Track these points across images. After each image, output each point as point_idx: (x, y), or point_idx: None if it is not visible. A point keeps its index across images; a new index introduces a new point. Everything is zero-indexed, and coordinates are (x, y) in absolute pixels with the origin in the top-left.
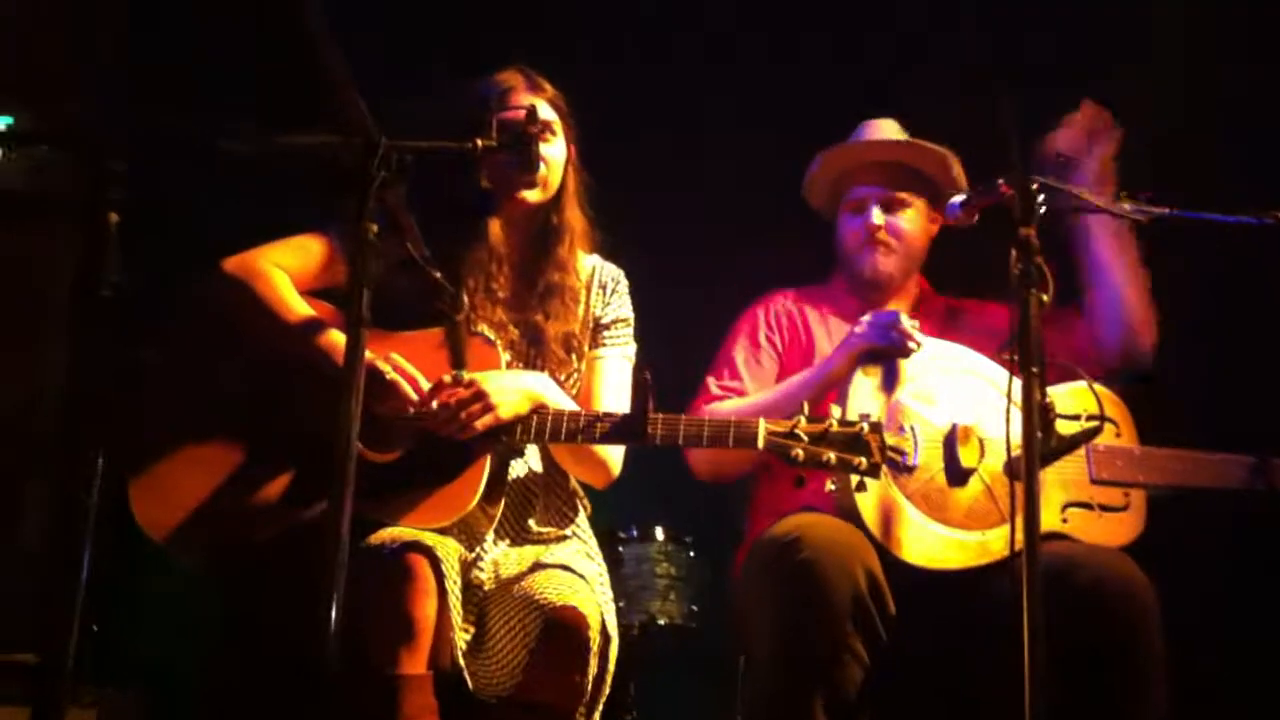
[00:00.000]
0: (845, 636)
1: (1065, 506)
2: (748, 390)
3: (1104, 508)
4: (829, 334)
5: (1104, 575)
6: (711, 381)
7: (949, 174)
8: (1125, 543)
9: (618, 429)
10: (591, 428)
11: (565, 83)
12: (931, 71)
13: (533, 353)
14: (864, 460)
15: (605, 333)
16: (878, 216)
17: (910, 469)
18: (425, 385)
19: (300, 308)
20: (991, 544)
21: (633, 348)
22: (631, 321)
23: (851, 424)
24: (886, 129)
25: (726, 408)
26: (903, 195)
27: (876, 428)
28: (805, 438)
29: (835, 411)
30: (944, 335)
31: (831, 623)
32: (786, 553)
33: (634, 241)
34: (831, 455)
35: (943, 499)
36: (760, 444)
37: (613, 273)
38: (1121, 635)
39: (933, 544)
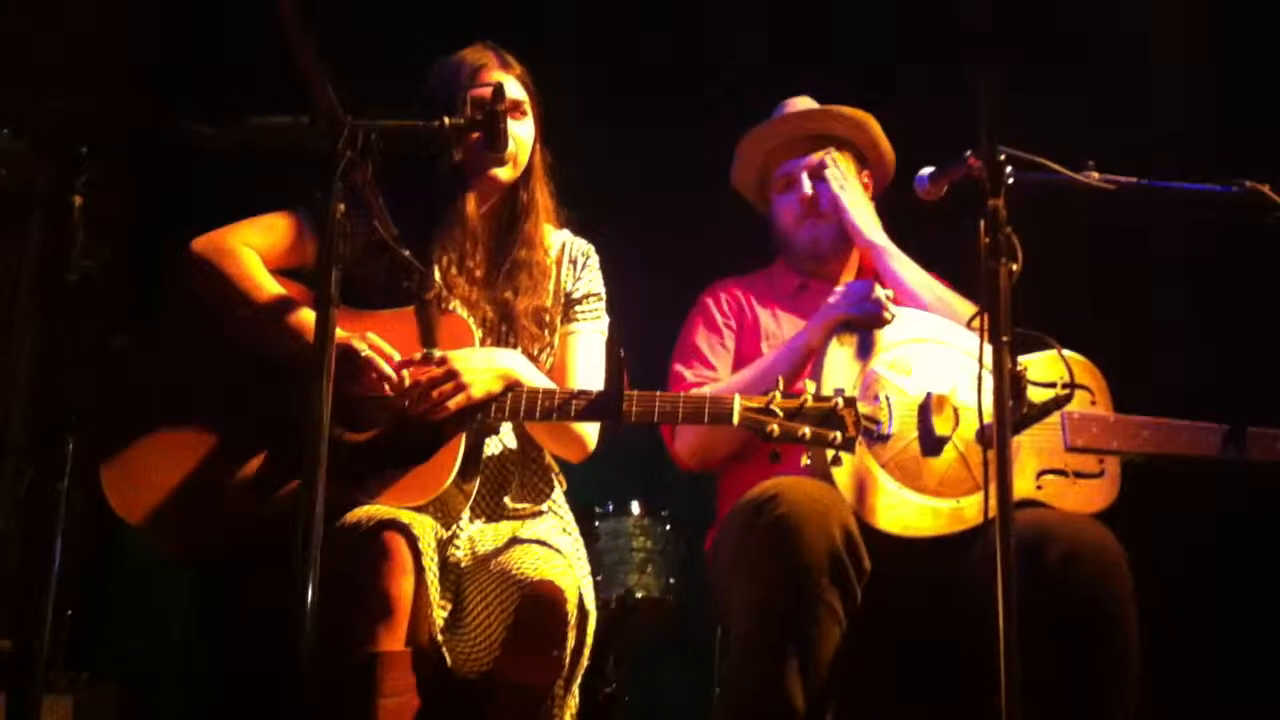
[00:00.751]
0: (821, 592)
1: (1040, 474)
2: (720, 375)
3: (1079, 474)
4: (774, 316)
5: (1078, 547)
6: (683, 370)
7: (869, 137)
8: (1100, 509)
9: (593, 407)
10: (567, 406)
11: (535, 60)
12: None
13: (504, 329)
14: (839, 435)
15: (577, 307)
16: (808, 186)
17: (885, 438)
18: (396, 358)
19: (271, 286)
20: (965, 511)
21: (605, 322)
22: (603, 296)
23: (826, 399)
24: (801, 104)
25: (706, 393)
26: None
27: (851, 402)
28: (780, 413)
29: (810, 386)
30: None
31: (807, 578)
32: (763, 510)
33: (604, 218)
34: (806, 430)
35: (917, 467)
36: (736, 420)
37: (582, 247)
38: (1095, 608)
39: (906, 511)
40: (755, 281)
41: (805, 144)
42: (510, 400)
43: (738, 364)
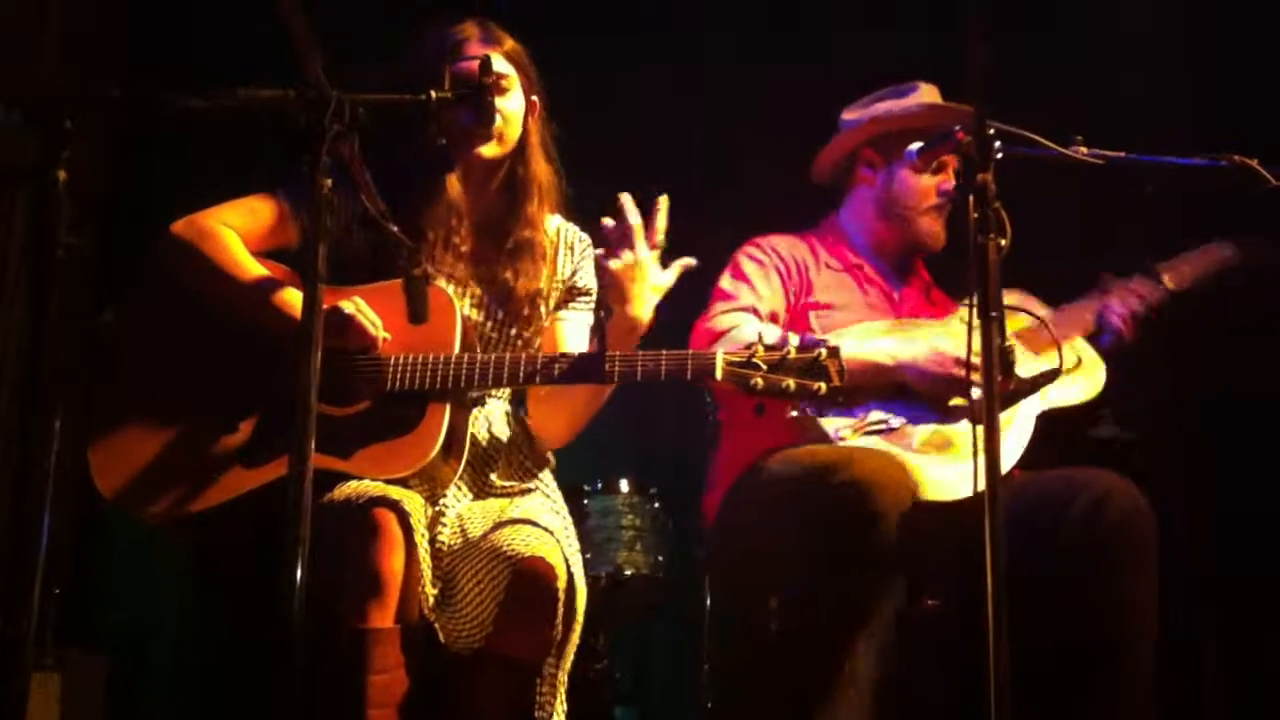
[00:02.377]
0: (887, 555)
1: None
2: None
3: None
4: (828, 278)
5: (1104, 496)
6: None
7: None
8: (1104, 382)
9: (576, 368)
10: (550, 367)
11: (538, 35)
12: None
13: (499, 310)
14: (823, 385)
15: (576, 300)
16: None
17: (895, 429)
18: (380, 326)
19: (253, 267)
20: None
21: (591, 315)
22: (595, 292)
23: (809, 349)
24: (932, 92)
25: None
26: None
27: (834, 352)
28: (764, 366)
29: (793, 339)
30: (920, 308)
31: (879, 553)
32: (837, 470)
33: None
34: (790, 382)
35: (941, 435)
36: (719, 375)
37: (579, 235)
38: (1122, 543)
39: (941, 474)
40: (798, 241)
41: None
42: (494, 365)
43: (776, 307)
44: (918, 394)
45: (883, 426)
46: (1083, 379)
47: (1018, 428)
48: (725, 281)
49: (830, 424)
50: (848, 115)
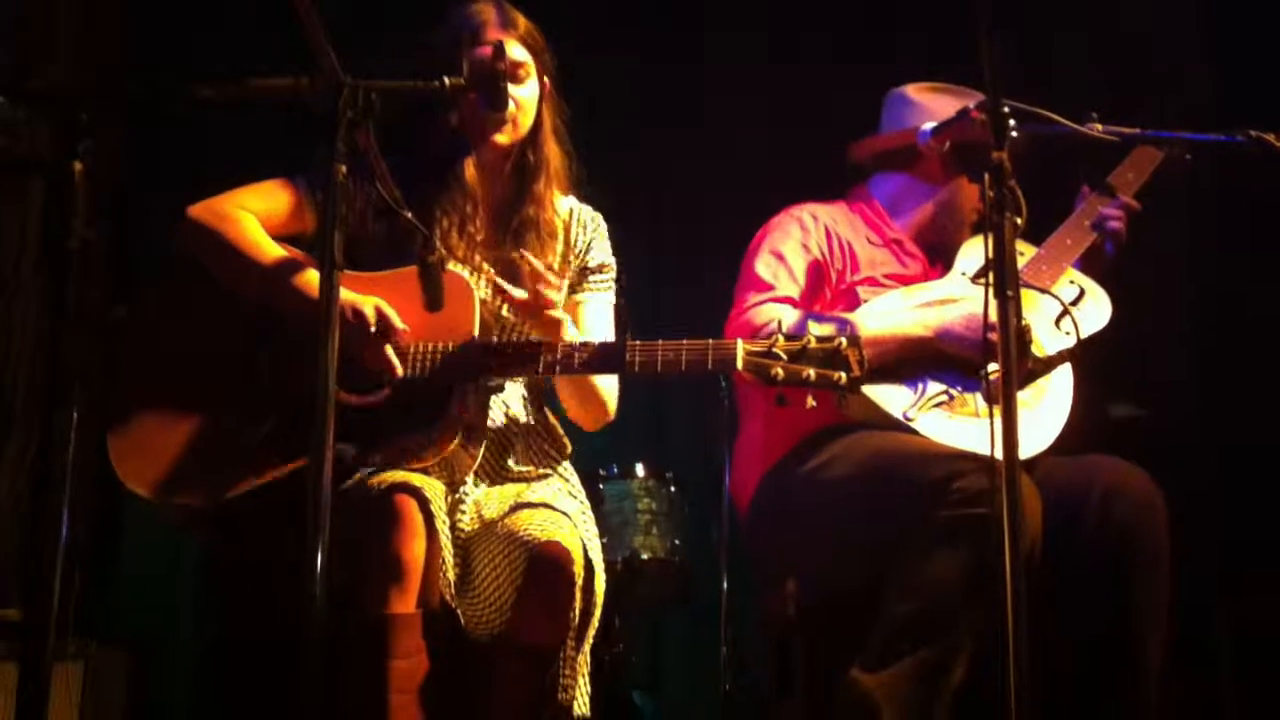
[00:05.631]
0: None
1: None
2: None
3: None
4: (867, 247)
5: (1118, 486)
6: (755, 295)
7: None
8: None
9: (596, 358)
10: (570, 358)
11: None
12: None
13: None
14: (843, 375)
15: (591, 278)
16: None
17: (955, 398)
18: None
19: (273, 250)
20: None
21: (613, 292)
22: (613, 267)
23: (829, 339)
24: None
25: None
26: None
27: (854, 341)
28: (784, 356)
29: (813, 327)
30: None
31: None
32: (946, 486)
33: (620, 176)
34: (811, 372)
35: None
36: (740, 365)
37: (592, 214)
38: (1132, 533)
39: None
40: (838, 212)
41: None
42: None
43: (815, 287)
44: (956, 362)
45: (944, 398)
46: (1095, 304)
47: (1051, 406)
48: (761, 265)
49: (891, 404)
50: (927, 101)
